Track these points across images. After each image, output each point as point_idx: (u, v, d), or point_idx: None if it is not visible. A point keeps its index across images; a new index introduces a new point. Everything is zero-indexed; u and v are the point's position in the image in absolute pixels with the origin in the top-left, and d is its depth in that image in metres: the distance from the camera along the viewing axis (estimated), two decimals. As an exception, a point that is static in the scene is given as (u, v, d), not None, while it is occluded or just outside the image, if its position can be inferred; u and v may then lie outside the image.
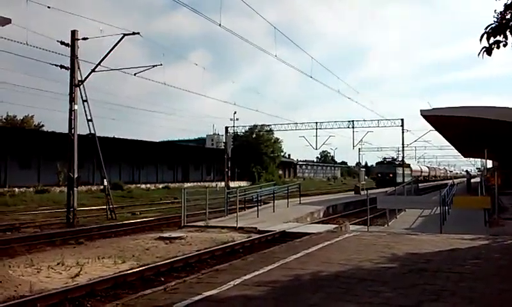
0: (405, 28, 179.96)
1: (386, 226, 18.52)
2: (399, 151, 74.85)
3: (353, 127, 57.22)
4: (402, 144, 57.32)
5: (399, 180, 62.06)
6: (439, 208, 18.62)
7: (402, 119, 55.44)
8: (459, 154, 74.66)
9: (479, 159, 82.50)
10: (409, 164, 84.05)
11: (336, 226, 18.54)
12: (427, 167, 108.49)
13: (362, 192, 37.97)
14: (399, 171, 65.54)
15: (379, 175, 69.35)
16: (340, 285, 8.03)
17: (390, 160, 73.39)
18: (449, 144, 50.75)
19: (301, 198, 30.37)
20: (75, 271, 10.56)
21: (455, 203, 19.27)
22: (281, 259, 10.39)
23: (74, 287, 9.01)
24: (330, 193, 48.88)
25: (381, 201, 18.18)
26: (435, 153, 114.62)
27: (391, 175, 63.17)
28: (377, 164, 77.52)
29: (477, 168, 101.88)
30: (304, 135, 64.06)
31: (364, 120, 57.22)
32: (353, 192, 41.91)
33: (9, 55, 54.18)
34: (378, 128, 57.20)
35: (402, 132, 55.24)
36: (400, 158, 76.91)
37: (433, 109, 25.38)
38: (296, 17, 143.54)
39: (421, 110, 25.15)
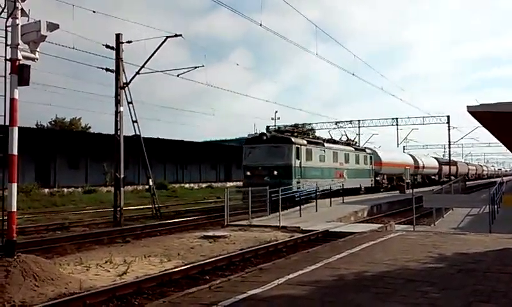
0: (449, 22, 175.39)
1: (432, 225, 18.09)
2: (445, 149, 70.94)
3: (397, 124, 56.29)
4: (449, 141, 55.83)
5: (306, 182, 27.51)
6: (487, 207, 18.06)
7: (448, 116, 53.99)
8: (509, 151, 71.67)
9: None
10: (457, 162, 71.43)
11: (381, 225, 18.26)
12: (437, 160, 65.87)
13: (407, 191, 37.21)
14: (300, 161, 27.95)
15: (249, 173, 27.94)
16: (386, 285, 7.92)
17: (277, 134, 31.04)
18: (498, 141, 49.11)
19: (344, 197, 30.07)
20: (123, 269, 10.84)
21: (505, 201, 18.66)
22: (325, 259, 10.34)
23: (122, 285, 9.23)
24: (374, 192, 48.01)
25: (427, 200, 17.79)
26: (483, 151, 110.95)
27: (275, 173, 26.69)
28: (247, 142, 30.55)
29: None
30: (346, 133, 62.62)
31: (408, 117, 56.05)
32: (398, 191, 41.08)
33: (58, 60, 55.92)
34: (423, 125, 55.90)
35: (449, 129, 53.80)
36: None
37: (480, 104, 24.58)
38: (336, 14, 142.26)
39: (468, 107, 24.42)
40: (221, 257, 12.21)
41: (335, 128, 57.81)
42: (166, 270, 10.77)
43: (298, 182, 26.98)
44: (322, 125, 61.16)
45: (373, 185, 39.99)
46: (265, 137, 28.48)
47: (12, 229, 9.53)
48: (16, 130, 9.93)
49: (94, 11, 22.72)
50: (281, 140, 28.36)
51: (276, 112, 62.81)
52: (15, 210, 9.67)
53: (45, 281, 8.93)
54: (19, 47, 9.98)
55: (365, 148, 42.38)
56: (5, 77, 10.16)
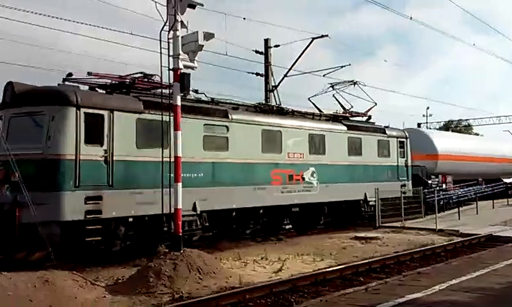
0: None
1: None
2: None
3: None
4: None
5: (128, 199, 11.93)
6: None
7: None
8: None
9: None
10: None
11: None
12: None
13: None
14: (107, 148, 11.74)
15: None
16: None
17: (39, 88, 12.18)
18: None
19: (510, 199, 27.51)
20: (278, 266, 11.10)
21: None
22: (491, 265, 9.60)
23: (278, 282, 9.45)
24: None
25: None
26: None
27: (22, 175, 10.36)
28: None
29: None
30: (508, 129, 56.97)
31: None
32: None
33: (212, 67, 59.26)
34: None
35: None
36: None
37: None
38: (492, 1, 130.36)
39: None
40: (375, 259, 11.90)
41: (494, 123, 53.00)
42: (319, 269, 10.81)
43: (92, 199, 11.35)
44: (480, 120, 56.64)
45: (405, 194, 20.93)
46: (8, 94, 11.83)
47: (178, 225, 10.33)
48: (179, 134, 10.76)
49: (244, 18, 23.78)
50: (39, 97, 11.81)
51: (428, 108, 59.32)
52: (181, 207, 10.46)
53: (208, 275, 9.53)
54: (180, 57, 10.78)
55: (386, 127, 21.85)
56: (169, 85, 11.07)
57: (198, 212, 13.22)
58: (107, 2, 24.22)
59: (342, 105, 21.38)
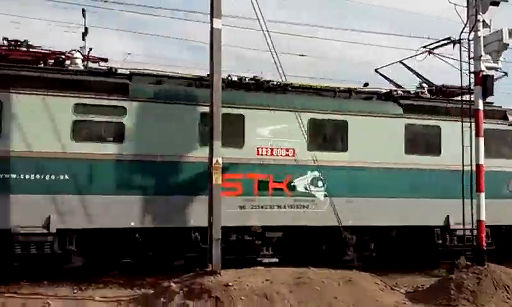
0: None
1: None
2: None
3: None
4: None
5: None
6: None
7: None
8: None
9: None
10: None
11: None
12: None
13: None
14: None
15: None
16: None
17: None
18: None
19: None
20: None
21: None
22: None
23: None
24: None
25: None
26: None
27: None
28: None
29: None
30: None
31: None
32: None
33: None
34: None
35: None
36: None
37: None
38: None
39: None
40: None
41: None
42: None
43: None
44: None
45: None
46: None
47: (482, 238, 9.72)
48: (481, 140, 10.12)
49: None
50: None
51: None
52: (484, 219, 9.80)
53: (516, 295, 8.72)
54: (482, 58, 10.18)
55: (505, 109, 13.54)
56: (469, 89, 10.57)
57: (53, 231, 9.31)
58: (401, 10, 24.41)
59: (421, 76, 13.95)
